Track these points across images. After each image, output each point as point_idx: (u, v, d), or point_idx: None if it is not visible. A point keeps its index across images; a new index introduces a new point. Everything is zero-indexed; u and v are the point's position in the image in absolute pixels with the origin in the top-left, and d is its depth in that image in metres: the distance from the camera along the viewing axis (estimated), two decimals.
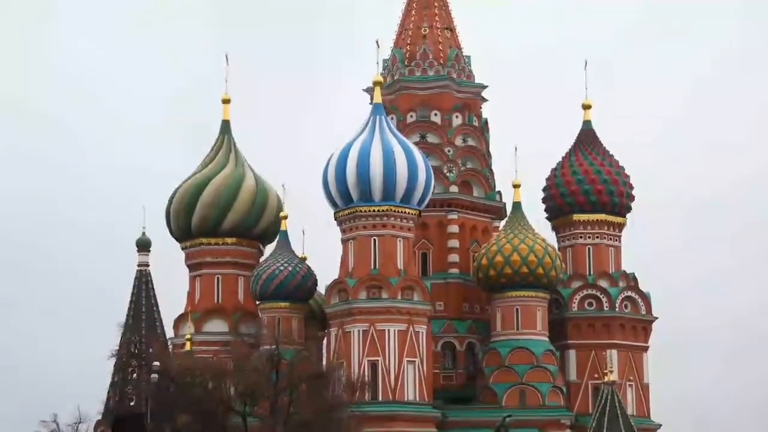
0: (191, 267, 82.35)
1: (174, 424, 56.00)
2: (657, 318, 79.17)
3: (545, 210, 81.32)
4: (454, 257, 78.93)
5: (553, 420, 72.00)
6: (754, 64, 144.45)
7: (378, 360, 70.04)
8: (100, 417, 67.00)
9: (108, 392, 72.61)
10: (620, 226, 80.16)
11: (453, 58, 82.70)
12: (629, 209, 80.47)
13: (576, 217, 79.04)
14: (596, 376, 73.73)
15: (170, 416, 54.80)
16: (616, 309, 77.26)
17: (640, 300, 78.69)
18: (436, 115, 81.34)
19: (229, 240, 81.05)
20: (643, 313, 78.66)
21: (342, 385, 62.17)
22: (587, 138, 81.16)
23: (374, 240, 72.16)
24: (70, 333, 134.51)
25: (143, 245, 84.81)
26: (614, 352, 75.28)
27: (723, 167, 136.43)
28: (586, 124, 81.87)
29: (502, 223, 79.62)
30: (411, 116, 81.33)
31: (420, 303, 71.76)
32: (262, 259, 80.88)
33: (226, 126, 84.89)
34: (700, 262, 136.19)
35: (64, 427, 54.36)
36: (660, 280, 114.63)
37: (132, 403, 64.64)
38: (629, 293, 78.42)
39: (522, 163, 79.79)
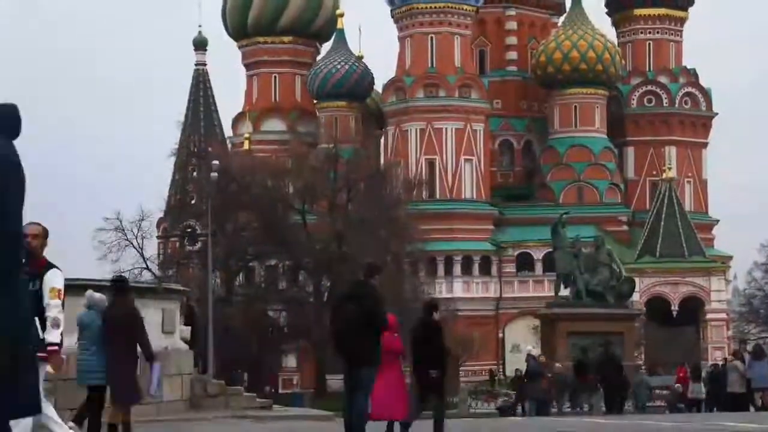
0: (248, 66, 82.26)
1: (235, 222, 56.75)
2: (717, 114, 78.41)
3: (605, 5, 79.89)
4: (512, 54, 78.14)
5: (611, 216, 72.33)
6: None
7: (435, 158, 70.28)
8: (162, 214, 67.99)
9: (169, 190, 73.37)
10: (682, 21, 78.66)
11: None
12: (692, 3, 78.80)
13: (637, 11, 77.61)
14: (654, 172, 73.67)
15: (231, 214, 55.48)
16: (676, 105, 76.54)
17: (700, 96, 77.79)
18: None
19: (285, 38, 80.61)
20: (703, 109, 77.86)
21: (399, 183, 62.48)
22: None
23: (431, 37, 71.50)
24: (132, 132, 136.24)
25: (200, 44, 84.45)
26: (673, 148, 74.98)
27: None
28: None
29: (561, 18, 78.41)
30: None
31: (477, 101, 71.51)
32: (318, 57, 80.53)
33: None
34: (764, 56, 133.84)
35: (127, 224, 55.12)
36: (722, 75, 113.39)
37: (193, 201, 65.26)
38: (689, 89, 77.49)
39: None
